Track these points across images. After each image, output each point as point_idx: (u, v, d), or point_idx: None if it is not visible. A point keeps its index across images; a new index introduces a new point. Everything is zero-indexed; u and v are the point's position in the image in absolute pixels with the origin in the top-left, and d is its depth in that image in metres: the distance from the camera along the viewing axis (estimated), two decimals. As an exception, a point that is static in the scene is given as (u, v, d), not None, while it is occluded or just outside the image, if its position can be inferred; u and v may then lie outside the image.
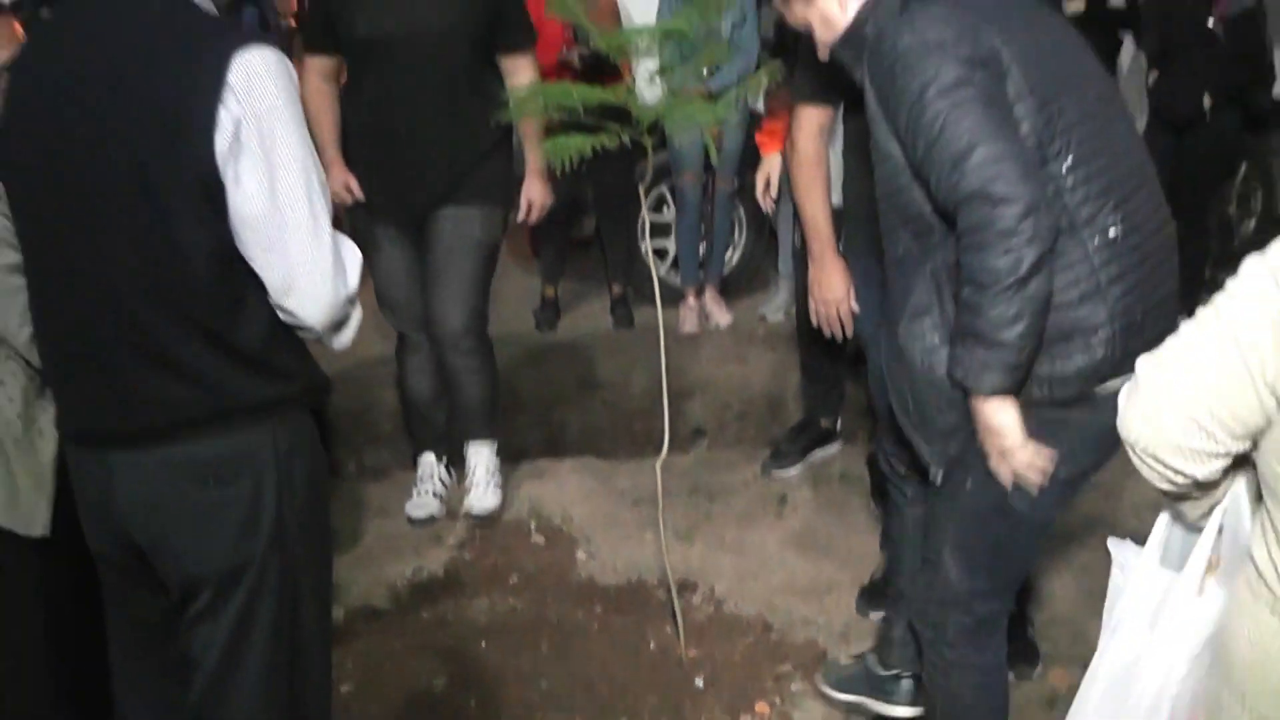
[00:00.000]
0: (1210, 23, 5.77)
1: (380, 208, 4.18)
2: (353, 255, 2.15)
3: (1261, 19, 5.93)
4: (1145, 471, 1.84)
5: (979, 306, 2.27)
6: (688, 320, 6.17)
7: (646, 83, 3.61)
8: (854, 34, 2.58)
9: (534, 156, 4.31)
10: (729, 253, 6.63)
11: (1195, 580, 1.95)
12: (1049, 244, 2.23)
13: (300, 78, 2.17)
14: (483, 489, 4.40)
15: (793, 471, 4.77)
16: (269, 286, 2.03)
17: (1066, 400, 2.41)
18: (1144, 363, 1.80)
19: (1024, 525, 2.57)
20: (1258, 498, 1.78)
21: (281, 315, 2.08)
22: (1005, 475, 2.44)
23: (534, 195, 4.37)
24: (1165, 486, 1.85)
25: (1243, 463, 1.83)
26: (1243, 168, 6.91)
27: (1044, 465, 2.41)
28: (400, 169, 4.09)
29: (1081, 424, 2.43)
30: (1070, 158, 2.33)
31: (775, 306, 6.44)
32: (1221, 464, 1.77)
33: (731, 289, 6.62)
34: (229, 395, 2.06)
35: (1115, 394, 2.09)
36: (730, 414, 5.26)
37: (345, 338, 2.20)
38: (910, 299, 2.51)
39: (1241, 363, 1.65)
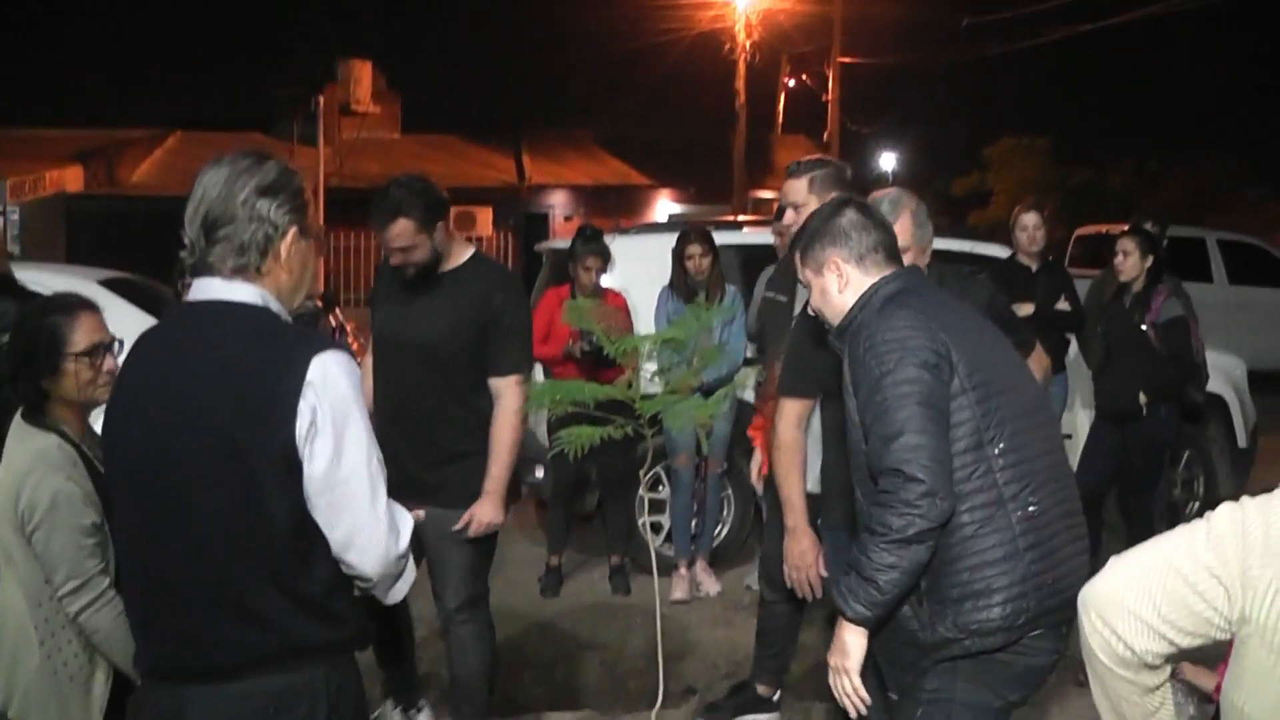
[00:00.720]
0: (1144, 328, 6.38)
1: None
2: (405, 520, 2.53)
3: (1193, 323, 6.56)
4: (1093, 638, 2.04)
5: (867, 549, 2.79)
6: (679, 588, 6.60)
7: (648, 381, 4.14)
8: (846, 327, 3.08)
9: (498, 475, 4.29)
10: (718, 528, 7.10)
11: None
12: (936, 524, 2.76)
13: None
14: None
15: None
16: (332, 543, 2.39)
17: (993, 649, 2.87)
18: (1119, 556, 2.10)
19: None
20: None
21: (343, 567, 2.43)
22: (837, 688, 2.90)
23: (484, 515, 4.29)
24: (1104, 657, 2.04)
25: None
26: (1185, 455, 7.47)
27: (864, 699, 2.89)
28: (390, 459, 4.31)
29: (1007, 663, 2.91)
30: (1002, 445, 2.88)
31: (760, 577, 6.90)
32: (1156, 646, 1.96)
33: (720, 561, 7.07)
34: (293, 638, 2.39)
35: (1035, 641, 2.66)
36: (718, 674, 5.59)
37: (398, 591, 2.55)
38: None
39: (1201, 559, 1.92)
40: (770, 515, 4.48)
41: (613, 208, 24.92)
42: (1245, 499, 1.95)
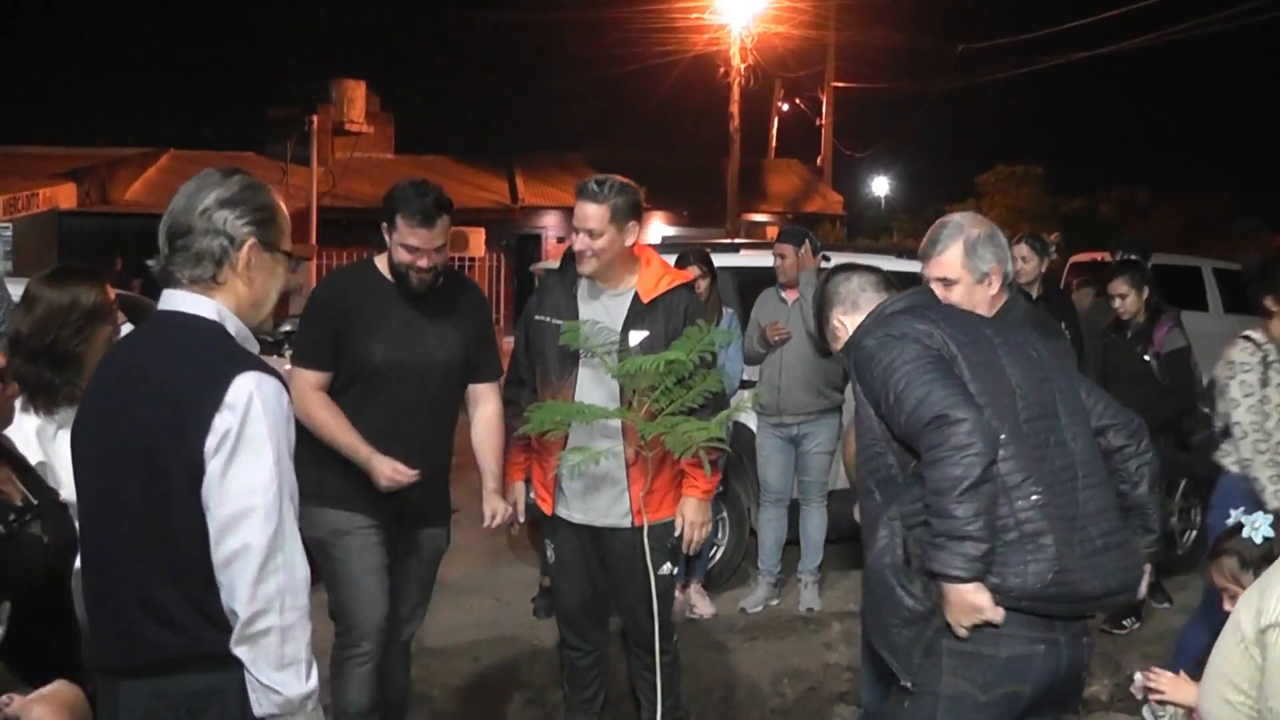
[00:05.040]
0: (1146, 358, 6.40)
1: (362, 524, 4.20)
2: (301, 568, 2.43)
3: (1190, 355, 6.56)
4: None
5: (944, 510, 2.88)
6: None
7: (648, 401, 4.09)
8: (855, 341, 3.32)
9: (493, 477, 4.43)
10: (712, 551, 7.05)
11: None
12: (992, 455, 2.88)
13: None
14: None
15: None
16: (215, 560, 2.37)
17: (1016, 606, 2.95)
18: None
19: None
20: None
21: (219, 595, 2.38)
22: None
23: (498, 507, 4.41)
24: None
25: None
26: (1182, 484, 7.44)
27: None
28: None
29: (990, 656, 2.99)
30: (1003, 436, 2.99)
31: (754, 600, 6.90)
32: None
33: (714, 584, 7.05)
34: (204, 643, 2.43)
35: (1020, 629, 2.88)
36: (713, 698, 5.57)
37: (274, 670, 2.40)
38: (875, 542, 3.13)
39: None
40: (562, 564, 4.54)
41: (606, 230, 24.88)
42: None
